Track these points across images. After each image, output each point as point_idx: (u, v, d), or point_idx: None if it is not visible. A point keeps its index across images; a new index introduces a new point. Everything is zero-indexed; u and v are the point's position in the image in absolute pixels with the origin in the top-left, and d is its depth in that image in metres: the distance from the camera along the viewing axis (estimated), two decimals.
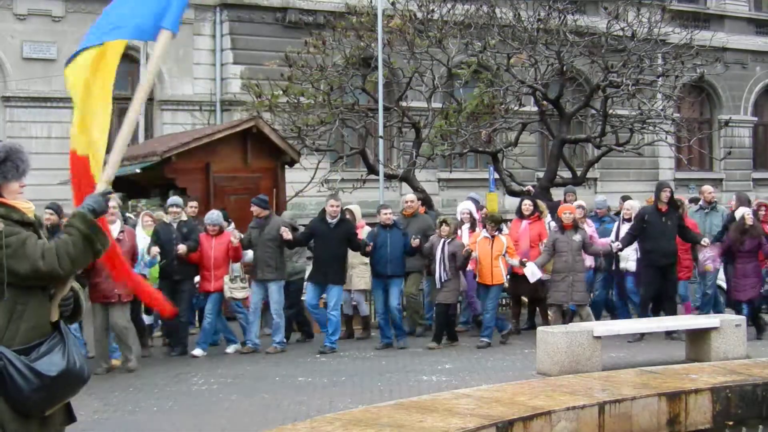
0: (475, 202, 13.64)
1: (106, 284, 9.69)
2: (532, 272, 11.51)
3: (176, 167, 13.68)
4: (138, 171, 13.80)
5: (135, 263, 10.36)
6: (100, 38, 4.12)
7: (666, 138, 17.82)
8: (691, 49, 17.12)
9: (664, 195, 11.57)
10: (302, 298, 12.13)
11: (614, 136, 17.50)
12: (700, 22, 26.26)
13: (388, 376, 9.67)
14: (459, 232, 12.08)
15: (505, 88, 16.74)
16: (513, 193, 17.19)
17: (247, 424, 7.52)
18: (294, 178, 16.91)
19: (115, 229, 9.66)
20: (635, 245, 11.93)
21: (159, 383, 9.49)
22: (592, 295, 12.72)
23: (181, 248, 10.92)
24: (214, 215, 11.51)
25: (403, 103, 17.72)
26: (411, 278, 12.23)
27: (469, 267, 11.73)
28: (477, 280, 11.83)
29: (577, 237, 11.49)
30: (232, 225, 12.35)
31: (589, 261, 12.12)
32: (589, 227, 12.32)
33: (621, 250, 11.85)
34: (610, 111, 16.82)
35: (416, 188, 16.73)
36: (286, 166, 14.98)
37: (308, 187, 17.46)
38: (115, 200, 10.47)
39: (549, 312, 11.90)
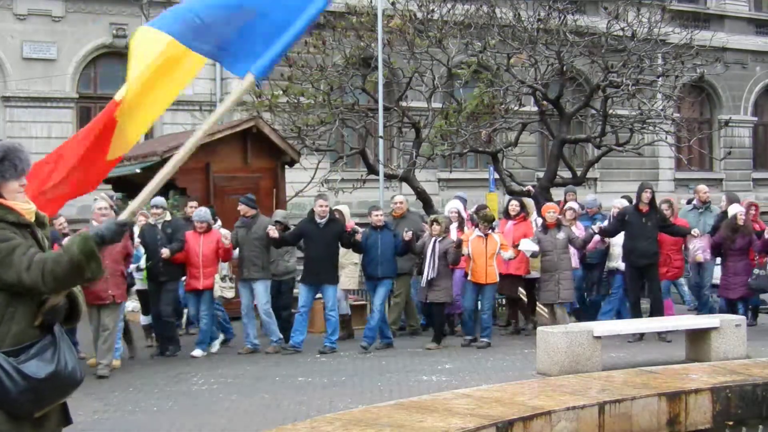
0: (463, 201, 13.63)
1: (99, 285, 9.62)
2: (528, 247, 11.53)
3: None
4: (138, 171, 13.79)
5: (129, 263, 10.33)
6: (190, 41, 4.01)
7: (666, 138, 17.82)
8: (691, 49, 17.12)
9: (645, 196, 11.61)
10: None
11: (614, 136, 17.50)
12: (700, 22, 26.25)
13: (388, 376, 9.67)
14: (448, 230, 12.05)
15: (505, 88, 16.73)
16: (513, 193, 17.16)
17: (247, 424, 7.52)
18: (294, 178, 16.91)
19: None
20: (621, 244, 11.94)
21: (159, 383, 9.49)
22: (592, 294, 12.73)
23: (165, 252, 10.85)
24: (202, 212, 11.47)
25: (403, 103, 17.72)
26: (400, 280, 12.18)
27: (464, 265, 11.76)
28: (470, 279, 11.80)
29: (561, 235, 11.55)
30: (219, 222, 12.31)
31: (575, 260, 12.14)
32: (578, 229, 12.31)
33: (600, 233, 11.86)
34: (610, 111, 16.81)
35: (416, 188, 16.74)
36: (286, 166, 14.99)
37: (308, 187, 17.46)
38: (107, 200, 10.37)
39: (543, 311, 11.90)
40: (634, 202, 11.92)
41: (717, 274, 12.82)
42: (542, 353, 9.54)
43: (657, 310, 11.71)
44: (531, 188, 16.46)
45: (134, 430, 7.59)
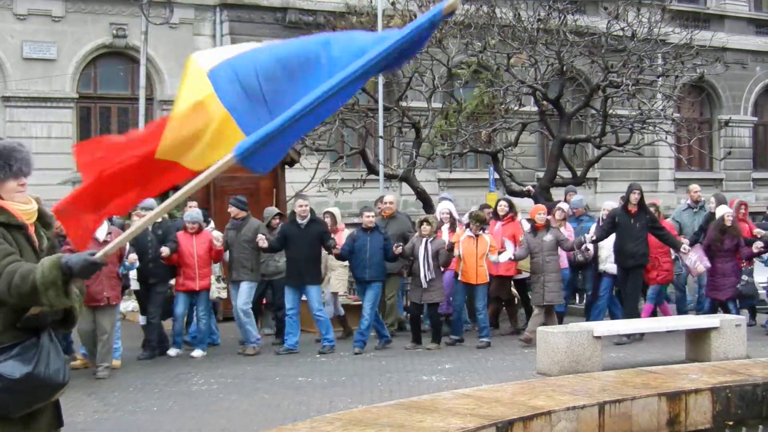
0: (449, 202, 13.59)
1: (94, 287, 9.59)
2: (507, 254, 11.57)
3: None
4: None
5: (121, 263, 10.28)
6: (233, 104, 3.52)
7: (666, 138, 17.83)
8: (691, 49, 17.13)
9: (634, 197, 11.57)
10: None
11: (614, 136, 17.50)
12: (700, 22, 26.26)
13: (388, 376, 9.67)
14: (439, 232, 11.99)
15: (505, 88, 16.74)
16: (513, 193, 17.18)
17: (247, 424, 7.52)
18: (294, 178, 16.91)
19: (102, 230, 9.55)
20: (611, 247, 11.92)
21: (159, 383, 9.49)
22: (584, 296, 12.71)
23: (164, 251, 10.79)
24: (194, 213, 11.43)
25: (403, 103, 17.72)
26: (391, 281, 12.12)
27: (453, 266, 11.76)
28: (461, 279, 11.77)
29: (549, 237, 11.54)
30: (212, 224, 12.28)
31: (564, 261, 12.12)
32: (567, 230, 12.30)
33: (594, 242, 11.86)
34: (610, 111, 16.82)
35: (416, 188, 16.74)
36: (286, 166, 14.97)
37: (308, 187, 17.45)
38: None
39: (535, 312, 11.88)
40: (623, 203, 11.87)
41: None
42: (542, 353, 9.54)
43: (630, 312, 11.61)
44: (531, 188, 16.47)
45: (134, 430, 7.59)
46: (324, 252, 11.68)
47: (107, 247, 3.66)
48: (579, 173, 17.40)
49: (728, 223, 11.89)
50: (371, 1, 16.89)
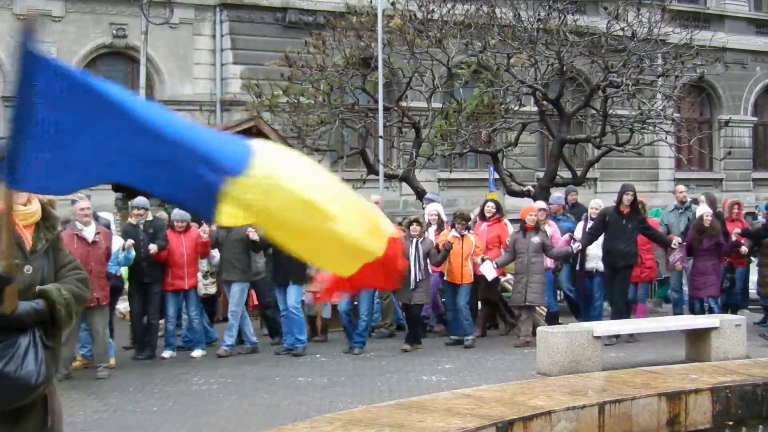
0: (434, 201, 13.53)
1: None
2: (488, 270, 11.50)
3: None
4: None
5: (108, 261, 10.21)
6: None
7: (666, 138, 17.83)
8: (691, 49, 17.13)
9: (626, 198, 11.55)
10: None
11: (614, 136, 17.51)
12: (700, 22, 26.27)
13: (388, 376, 9.67)
14: (426, 233, 11.89)
15: (505, 88, 16.74)
16: (513, 193, 17.21)
17: (247, 424, 7.52)
18: None
19: (90, 230, 9.48)
20: (598, 244, 11.91)
21: (159, 383, 9.49)
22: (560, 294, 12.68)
23: (153, 248, 10.73)
24: (182, 211, 11.46)
25: (403, 103, 17.73)
26: None
27: (440, 268, 11.77)
28: (446, 279, 11.75)
29: (536, 239, 11.54)
30: (204, 225, 12.21)
31: (549, 262, 12.12)
32: (551, 227, 12.30)
33: (581, 249, 11.82)
34: (610, 111, 16.82)
35: (416, 188, 16.74)
36: None
37: None
38: (88, 201, 10.24)
39: (523, 317, 11.86)
40: (615, 203, 11.86)
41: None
42: (542, 353, 9.54)
43: (617, 312, 11.59)
44: (531, 188, 16.47)
45: (134, 430, 7.59)
46: None
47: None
48: (579, 173, 17.40)
49: (706, 224, 11.93)
50: (371, 1, 16.89)
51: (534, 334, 10.61)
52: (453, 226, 11.85)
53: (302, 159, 3.41)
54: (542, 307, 13.07)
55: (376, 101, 16.51)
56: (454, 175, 23.34)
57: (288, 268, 11.09)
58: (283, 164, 3.28)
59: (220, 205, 3.09)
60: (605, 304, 12.62)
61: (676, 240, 11.93)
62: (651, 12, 17.52)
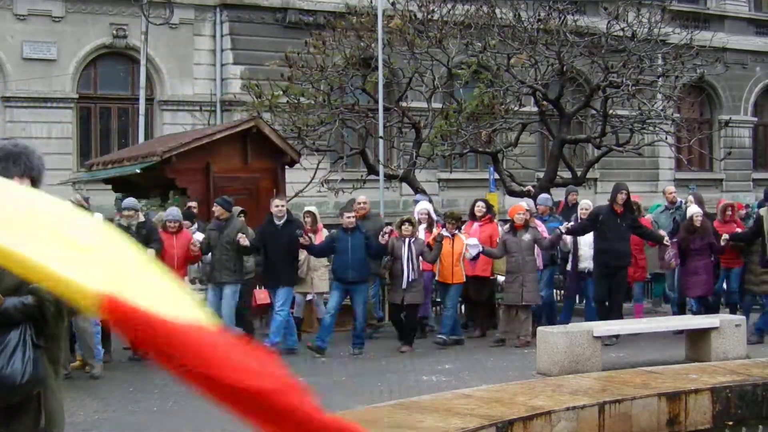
0: (429, 201, 13.49)
1: None
2: (472, 245, 11.43)
3: (176, 167, 13.67)
4: (138, 171, 13.78)
5: None
6: None
7: (666, 138, 17.84)
8: (691, 50, 17.14)
9: (620, 197, 11.54)
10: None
11: (614, 137, 17.51)
12: (700, 23, 26.27)
13: (388, 376, 9.67)
14: (417, 232, 11.82)
15: (505, 88, 16.75)
16: (513, 194, 17.21)
17: (247, 425, 7.51)
18: (294, 178, 16.91)
19: None
20: (591, 243, 11.90)
21: (159, 383, 9.48)
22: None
23: (151, 252, 10.52)
24: (174, 212, 11.34)
25: (403, 103, 17.73)
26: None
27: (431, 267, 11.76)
28: (437, 279, 11.71)
29: (527, 237, 11.53)
30: (195, 226, 12.17)
31: (540, 262, 12.11)
32: (539, 227, 12.30)
33: (568, 233, 11.75)
34: (610, 111, 16.83)
35: (416, 188, 16.74)
36: (286, 167, 14.98)
37: (308, 188, 17.47)
38: (81, 202, 10.17)
39: (500, 313, 11.87)
40: (608, 202, 11.86)
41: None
42: (542, 353, 9.53)
43: (616, 312, 11.57)
44: (531, 188, 16.48)
45: (134, 430, 7.59)
46: (304, 252, 11.47)
47: None
48: (579, 173, 17.41)
49: (697, 224, 11.93)
50: (371, 1, 16.89)
51: (534, 334, 10.62)
52: (443, 226, 11.83)
53: None
54: None
55: (376, 101, 16.51)
56: (454, 176, 23.34)
57: (278, 270, 11.07)
58: None
59: None
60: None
61: (667, 237, 11.95)
62: (651, 12, 17.53)
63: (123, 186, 15.00)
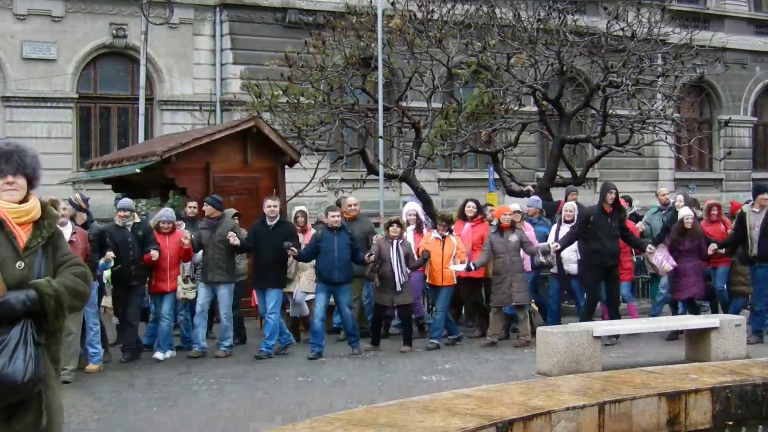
0: (418, 203, 13.45)
1: None
2: (459, 268, 11.40)
3: (176, 167, 13.67)
4: (138, 171, 13.78)
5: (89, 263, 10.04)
6: None
7: (666, 138, 17.84)
8: (691, 49, 17.14)
9: (610, 197, 11.53)
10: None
11: (614, 136, 17.51)
12: (700, 22, 26.28)
13: (388, 376, 9.67)
14: (405, 233, 11.79)
15: (505, 88, 16.75)
16: (513, 193, 17.21)
17: (247, 424, 7.52)
18: (294, 178, 16.91)
19: (66, 231, 9.28)
20: (575, 246, 11.86)
21: (159, 383, 9.49)
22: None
23: (155, 254, 10.62)
24: (168, 212, 11.30)
25: (403, 103, 17.72)
26: (354, 284, 11.85)
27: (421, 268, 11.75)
28: (428, 281, 11.65)
29: (514, 237, 11.53)
30: (184, 225, 12.16)
31: (528, 264, 12.08)
32: (527, 230, 12.28)
33: (560, 251, 11.70)
34: (610, 111, 16.83)
35: (416, 188, 16.75)
36: (286, 166, 14.98)
37: (308, 187, 17.47)
38: (64, 202, 10.11)
39: (490, 315, 11.84)
40: (598, 202, 11.84)
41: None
42: (542, 353, 9.53)
43: (614, 312, 11.54)
44: (531, 188, 16.48)
45: (134, 430, 7.58)
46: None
47: None
48: (579, 173, 17.41)
49: (688, 226, 11.91)
50: (371, 1, 16.89)
51: (534, 333, 10.62)
52: (435, 228, 11.81)
53: None
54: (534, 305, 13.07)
55: (376, 101, 16.51)
56: (454, 175, 23.35)
57: (267, 271, 11.02)
58: None
59: None
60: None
61: (650, 246, 11.92)
62: (651, 12, 17.53)
63: (123, 186, 15.01)
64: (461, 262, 11.49)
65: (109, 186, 15.75)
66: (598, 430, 6.65)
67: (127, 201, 11.46)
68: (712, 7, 28.80)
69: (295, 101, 16.85)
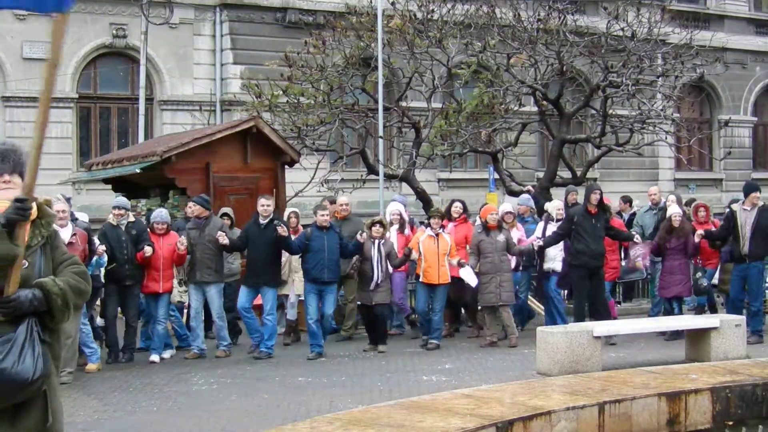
0: (402, 203, 13.45)
1: None
2: (468, 276, 11.43)
3: (176, 167, 13.67)
4: (138, 171, 13.78)
5: (87, 265, 10.01)
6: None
7: (666, 138, 17.84)
8: (691, 49, 17.14)
9: (594, 197, 11.56)
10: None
11: (614, 136, 17.51)
12: (700, 22, 26.28)
13: (388, 376, 9.67)
14: (388, 233, 11.81)
15: (505, 88, 16.75)
16: (513, 193, 17.20)
17: (247, 424, 7.52)
18: (294, 178, 16.92)
19: (66, 232, 9.30)
20: (561, 246, 11.88)
21: (159, 383, 9.49)
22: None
23: (148, 250, 10.59)
24: (163, 213, 11.29)
25: (403, 103, 17.73)
26: (349, 285, 11.96)
27: (402, 268, 11.73)
28: (422, 280, 11.62)
29: (501, 237, 11.55)
30: (182, 237, 12.08)
31: (514, 262, 12.10)
32: (519, 230, 12.25)
33: (543, 248, 11.75)
34: (610, 111, 16.83)
35: (416, 188, 16.76)
36: (286, 166, 14.99)
37: (308, 187, 17.48)
38: (64, 203, 10.01)
39: (485, 315, 11.83)
40: (583, 203, 11.85)
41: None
42: (542, 353, 9.54)
43: (604, 312, 11.49)
44: (531, 188, 16.47)
45: (134, 430, 7.59)
46: (287, 254, 11.39)
47: (24, 183, 3.62)
48: (579, 173, 17.41)
49: (675, 224, 11.97)
50: (371, 1, 16.90)
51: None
52: (428, 225, 11.79)
53: None
54: (539, 305, 13.07)
55: (376, 101, 16.51)
56: (454, 175, 23.34)
57: (260, 269, 10.98)
58: None
59: None
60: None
61: (637, 236, 12.03)
62: (651, 12, 17.53)
63: (123, 186, 15.01)
64: (458, 263, 11.50)
65: (109, 186, 15.76)
66: (598, 430, 6.66)
67: (122, 199, 11.46)
68: (712, 7, 28.79)
69: (295, 101, 16.86)
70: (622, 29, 16.62)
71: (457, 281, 11.82)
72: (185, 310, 11.98)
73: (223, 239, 10.87)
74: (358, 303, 11.94)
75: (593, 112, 18.33)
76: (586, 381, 7.65)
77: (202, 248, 11.01)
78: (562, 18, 16.54)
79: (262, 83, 17.00)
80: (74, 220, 10.65)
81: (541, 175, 19.11)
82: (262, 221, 11.05)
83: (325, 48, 16.94)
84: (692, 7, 27.62)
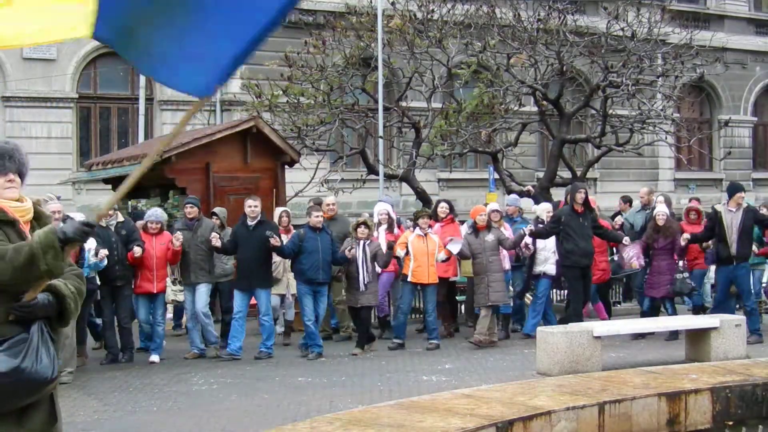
0: (390, 203, 13.44)
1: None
2: (455, 246, 11.39)
3: (176, 167, 13.67)
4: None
5: (80, 264, 9.76)
6: (141, 64, 3.52)
7: (666, 138, 17.85)
8: (691, 49, 17.16)
9: (579, 196, 11.55)
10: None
11: (614, 136, 17.52)
12: (700, 22, 26.28)
13: (388, 376, 9.67)
14: (375, 233, 11.75)
15: (505, 88, 16.76)
16: (513, 193, 17.21)
17: (247, 424, 7.52)
18: (294, 178, 16.93)
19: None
20: (554, 248, 11.88)
21: (159, 383, 9.49)
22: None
23: (138, 250, 10.54)
24: (157, 212, 11.27)
25: (403, 103, 17.74)
26: (335, 287, 11.91)
27: (391, 268, 11.73)
28: (411, 279, 11.58)
29: (490, 237, 11.51)
30: (177, 233, 12.05)
31: (507, 263, 12.09)
32: (507, 230, 12.27)
33: (532, 235, 11.70)
34: (610, 111, 16.84)
35: (416, 188, 16.76)
36: (286, 166, 14.99)
37: (308, 187, 17.48)
38: (56, 203, 9.99)
39: (482, 314, 11.83)
40: (568, 203, 11.85)
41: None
42: (542, 353, 9.53)
43: (578, 315, 11.46)
44: (531, 188, 16.49)
45: (134, 430, 7.59)
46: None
47: (102, 207, 3.67)
48: (579, 173, 17.41)
49: (660, 223, 11.99)
50: (371, 1, 16.90)
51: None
52: (416, 225, 11.80)
53: None
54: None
55: (376, 101, 16.52)
56: (454, 175, 23.35)
57: (249, 271, 10.94)
58: None
59: None
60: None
61: (626, 238, 12.02)
62: (651, 12, 17.54)
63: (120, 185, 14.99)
64: (448, 238, 11.59)
65: (109, 186, 15.76)
66: (598, 430, 6.65)
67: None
68: (712, 7, 28.79)
69: (295, 101, 16.87)
70: (622, 29, 16.63)
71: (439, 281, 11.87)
72: (184, 311, 11.97)
73: (216, 241, 10.85)
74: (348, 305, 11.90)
75: (593, 112, 18.34)
76: (586, 381, 7.65)
77: (195, 249, 10.99)
78: (562, 18, 16.55)
79: (262, 83, 17.01)
80: (65, 220, 10.63)
81: (541, 175, 19.11)
82: (250, 222, 11.00)
83: (325, 48, 16.94)
84: (692, 7, 27.62)
